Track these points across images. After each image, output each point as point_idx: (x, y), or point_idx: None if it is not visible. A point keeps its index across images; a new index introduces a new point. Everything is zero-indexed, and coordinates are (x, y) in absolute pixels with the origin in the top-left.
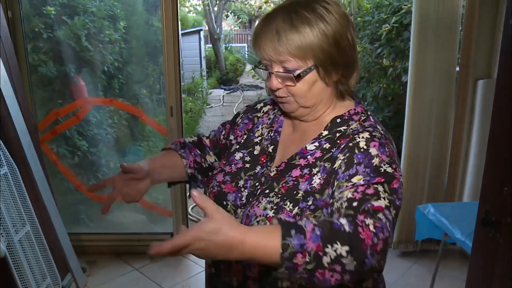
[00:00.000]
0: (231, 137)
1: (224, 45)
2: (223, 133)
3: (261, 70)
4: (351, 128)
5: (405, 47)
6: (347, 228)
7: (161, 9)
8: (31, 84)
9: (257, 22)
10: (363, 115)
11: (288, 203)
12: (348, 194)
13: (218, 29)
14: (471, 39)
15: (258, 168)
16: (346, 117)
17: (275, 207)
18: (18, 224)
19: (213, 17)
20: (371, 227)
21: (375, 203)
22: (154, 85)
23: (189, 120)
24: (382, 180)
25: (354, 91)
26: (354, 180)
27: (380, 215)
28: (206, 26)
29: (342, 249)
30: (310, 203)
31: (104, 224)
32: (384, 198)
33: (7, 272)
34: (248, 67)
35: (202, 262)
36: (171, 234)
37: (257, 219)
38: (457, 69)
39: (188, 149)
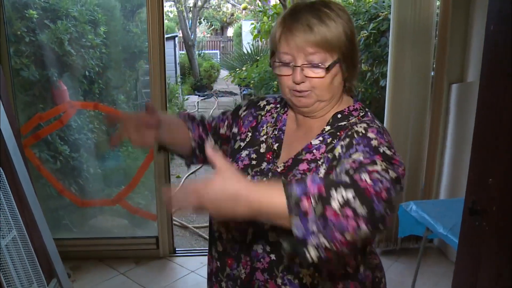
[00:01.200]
0: (235, 130)
1: (197, 52)
2: (226, 123)
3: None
4: (350, 122)
5: (382, 52)
6: (347, 179)
7: (147, 13)
8: (13, 88)
9: (280, 18)
10: (361, 111)
11: None
12: (346, 165)
13: (192, 36)
14: (444, 44)
15: (264, 164)
16: (346, 113)
17: None
18: (5, 229)
19: (188, 24)
20: (368, 179)
21: (370, 168)
22: (131, 91)
23: None
24: (381, 159)
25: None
26: (354, 156)
27: (375, 174)
28: (180, 33)
29: (348, 194)
30: None
31: (87, 229)
32: (380, 165)
33: None
34: (222, 73)
35: (189, 266)
36: (156, 238)
37: None
38: (432, 73)
39: (196, 124)
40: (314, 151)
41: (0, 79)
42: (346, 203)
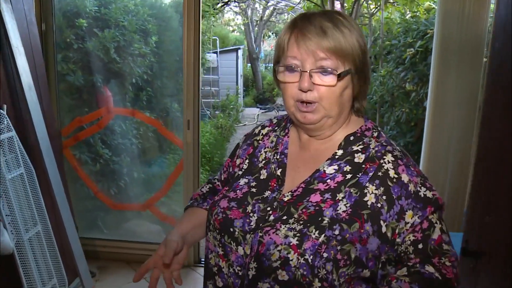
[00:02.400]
0: (235, 170)
1: (264, 65)
2: (226, 170)
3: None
4: (372, 149)
5: (428, 71)
6: (437, 275)
7: (183, 24)
8: (58, 92)
9: (290, 22)
10: (374, 131)
11: (314, 230)
12: (410, 237)
13: (257, 49)
14: None
15: (268, 193)
16: (359, 134)
17: (298, 234)
18: (29, 223)
19: (253, 37)
20: (448, 264)
21: (434, 236)
22: None
23: (219, 137)
24: (432, 209)
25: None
26: (408, 219)
27: (445, 246)
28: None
29: None
30: (337, 232)
31: (119, 232)
32: (436, 223)
33: (14, 268)
34: None
35: None
36: None
37: (278, 248)
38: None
39: (209, 198)
40: (329, 180)
41: (40, 84)
42: None
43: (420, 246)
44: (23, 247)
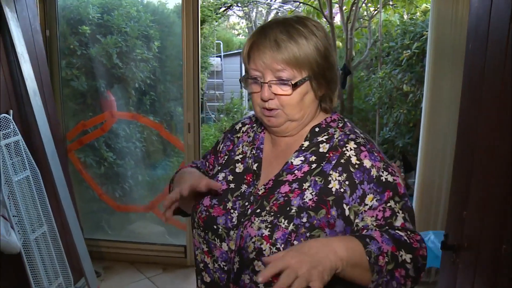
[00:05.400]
0: (215, 165)
1: None
2: (209, 166)
3: (248, 82)
4: (336, 138)
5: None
6: (405, 238)
7: (182, 28)
8: (62, 97)
9: (250, 34)
10: (340, 122)
11: (283, 220)
12: (372, 222)
13: None
14: None
15: (244, 187)
16: (324, 125)
17: (269, 226)
18: (35, 224)
19: None
20: (416, 238)
21: (397, 223)
22: None
23: None
24: (391, 194)
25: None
26: (367, 201)
27: (410, 228)
28: None
29: (407, 256)
30: (304, 220)
31: (123, 233)
32: (398, 213)
33: (21, 267)
34: None
35: None
36: (184, 247)
37: (252, 240)
38: None
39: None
40: (296, 171)
41: (45, 90)
42: (403, 263)
43: (386, 228)
44: (30, 246)
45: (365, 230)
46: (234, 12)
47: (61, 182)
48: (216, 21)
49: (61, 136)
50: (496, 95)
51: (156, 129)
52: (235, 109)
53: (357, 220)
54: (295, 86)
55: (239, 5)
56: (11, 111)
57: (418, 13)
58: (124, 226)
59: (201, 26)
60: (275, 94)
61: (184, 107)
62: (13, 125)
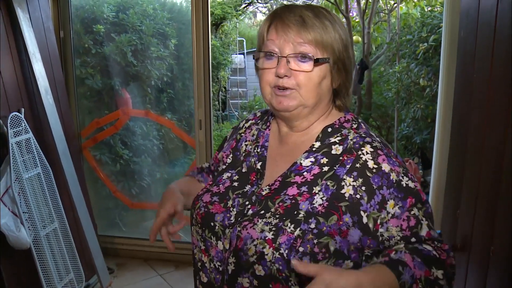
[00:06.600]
0: (219, 164)
1: None
2: (214, 165)
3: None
4: (350, 140)
5: None
6: (434, 253)
7: (191, 25)
8: (77, 95)
9: (272, 12)
10: (354, 122)
11: (289, 224)
12: (398, 233)
13: None
14: None
15: (248, 187)
16: (337, 126)
17: (274, 229)
18: (46, 220)
19: None
20: (443, 248)
21: (423, 233)
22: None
23: None
24: (413, 201)
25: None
26: (389, 208)
27: (436, 237)
28: None
29: (439, 272)
30: (312, 226)
31: (137, 230)
32: (422, 220)
33: (31, 262)
34: None
35: None
36: None
37: (254, 242)
38: None
39: (205, 173)
40: (305, 173)
41: (57, 88)
42: (435, 281)
43: (413, 240)
44: (40, 242)
45: (391, 241)
46: (257, 8)
47: (73, 179)
48: (237, 18)
49: (74, 133)
50: (486, 78)
51: (168, 127)
52: (257, 106)
53: (381, 230)
54: (316, 62)
55: (260, 1)
56: (22, 110)
57: (438, 5)
58: (138, 223)
59: (220, 22)
60: (293, 70)
61: (195, 103)
62: (24, 123)
